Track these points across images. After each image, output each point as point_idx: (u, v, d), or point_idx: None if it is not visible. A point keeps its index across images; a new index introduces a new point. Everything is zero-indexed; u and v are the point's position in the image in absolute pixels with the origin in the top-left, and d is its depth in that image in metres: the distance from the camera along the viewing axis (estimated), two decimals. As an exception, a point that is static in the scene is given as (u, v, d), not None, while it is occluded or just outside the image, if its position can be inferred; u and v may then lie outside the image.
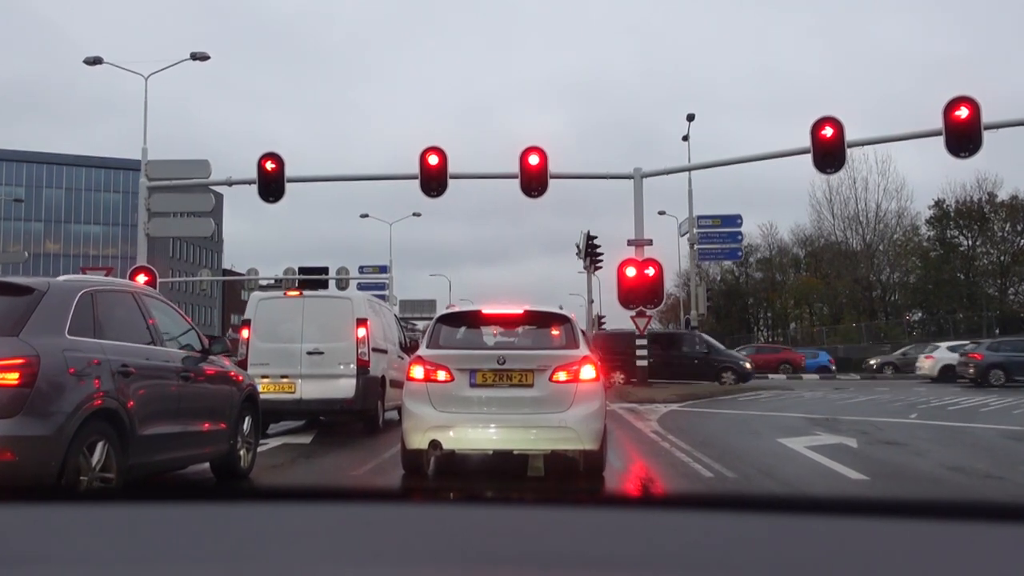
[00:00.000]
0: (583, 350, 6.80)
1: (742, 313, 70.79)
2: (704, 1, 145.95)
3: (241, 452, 6.94)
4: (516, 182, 17.98)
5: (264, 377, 10.70)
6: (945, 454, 8.77)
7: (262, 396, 10.12)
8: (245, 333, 11.11)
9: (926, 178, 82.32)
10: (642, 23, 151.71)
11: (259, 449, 8.40)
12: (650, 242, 19.58)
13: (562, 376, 6.53)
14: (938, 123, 16.32)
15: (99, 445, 4.69)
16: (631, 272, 18.59)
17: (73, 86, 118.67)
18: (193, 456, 6.11)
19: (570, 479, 7.17)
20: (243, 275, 51.00)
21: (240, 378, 7.09)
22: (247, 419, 7.06)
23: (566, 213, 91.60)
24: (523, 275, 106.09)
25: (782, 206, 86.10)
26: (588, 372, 6.59)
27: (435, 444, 6.48)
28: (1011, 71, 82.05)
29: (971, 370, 24.25)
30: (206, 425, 6.21)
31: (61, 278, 5.30)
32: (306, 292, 12.14)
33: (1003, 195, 56.49)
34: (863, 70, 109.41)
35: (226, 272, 76.33)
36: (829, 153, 17.10)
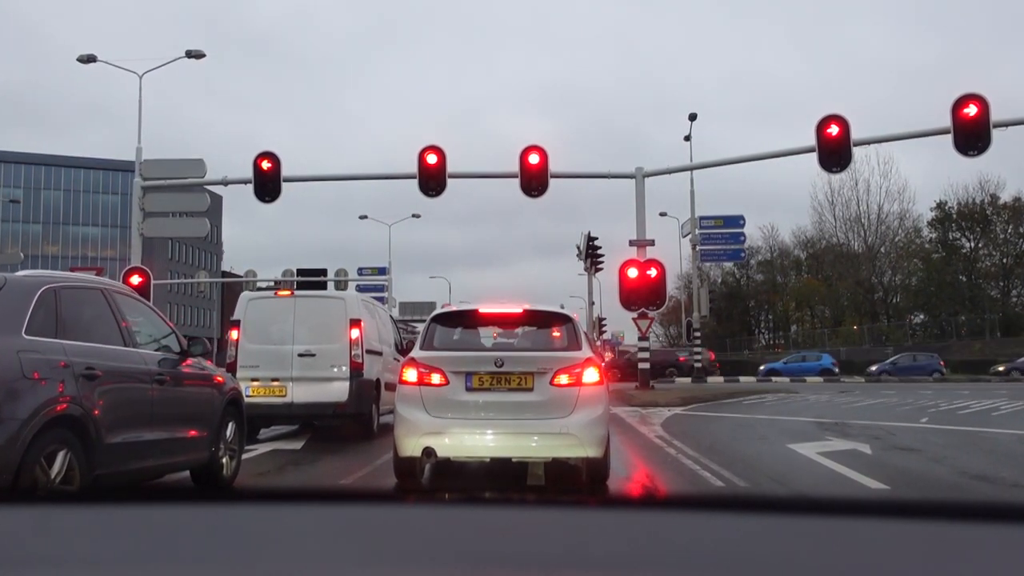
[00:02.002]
0: (586, 352, 6.41)
1: (743, 315, 70.49)
2: (684, 11, 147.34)
3: (224, 460, 6.53)
4: (509, 185, 17.67)
5: (254, 380, 10.33)
6: (965, 460, 8.37)
7: (251, 400, 9.78)
8: (234, 334, 10.71)
9: (928, 180, 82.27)
10: (622, 31, 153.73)
11: (246, 456, 8.03)
12: (652, 242, 19.22)
13: (564, 379, 6.14)
14: (923, 126, 16.02)
15: (60, 454, 4.28)
16: (633, 273, 18.21)
17: (59, 93, 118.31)
18: (168, 465, 5.70)
19: (572, 488, 6.79)
20: (241, 277, 50.68)
21: (222, 381, 6.68)
22: (230, 424, 6.66)
23: (558, 217, 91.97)
24: (517, 278, 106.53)
25: (782, 209, 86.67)
26: (591, 375, 6.21)
27: (429, 451, 6.08)
28: (983, 78, 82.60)
29: None
30: (183, 431, 5.80)
31: (20, 273, 4.89)
32: (298, 292, 11.76)
33: (1005, 197, 56.36)
34: (841, 76, 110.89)
35: (225, 274, 75.98)
36: (835, 152, 16.75)
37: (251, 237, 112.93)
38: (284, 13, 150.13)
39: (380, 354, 11.43)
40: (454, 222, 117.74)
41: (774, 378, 35.78)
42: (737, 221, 35.03)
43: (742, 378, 36.14)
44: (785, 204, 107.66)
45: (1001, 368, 35.58)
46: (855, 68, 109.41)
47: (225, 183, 19.34)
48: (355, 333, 10.53)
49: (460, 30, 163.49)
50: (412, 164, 17.54)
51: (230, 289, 71.79)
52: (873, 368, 37.94)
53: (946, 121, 15.70)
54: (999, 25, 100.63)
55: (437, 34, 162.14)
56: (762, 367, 40.13)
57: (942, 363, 37.79)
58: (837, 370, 38.94)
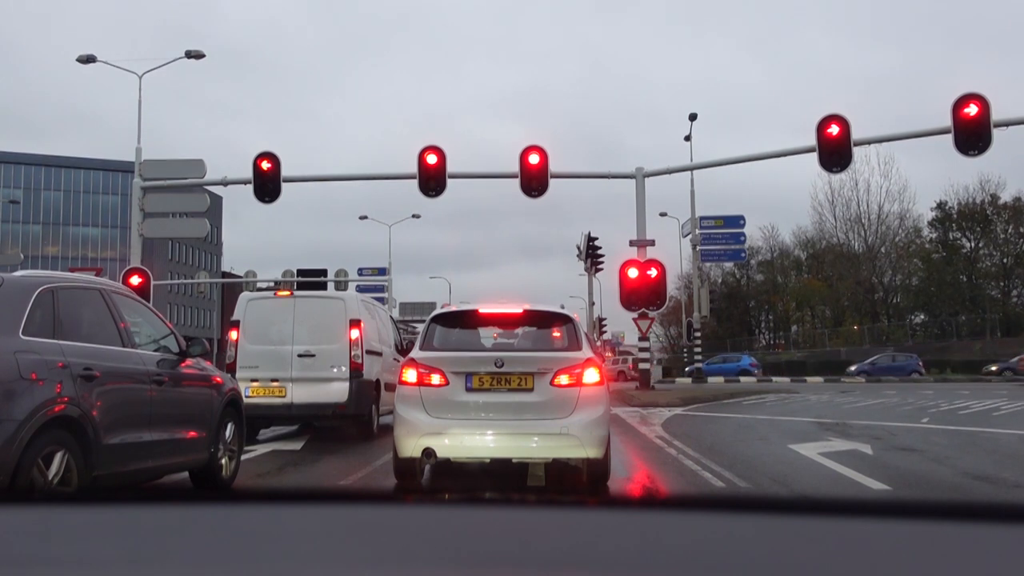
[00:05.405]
0: (586, 352, 6.40)
1: (743, 315, 70.40)
2: (647, 23, 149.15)
3: (223, 460, 6.52)
4: (495, 188, 17.71)
5: (253, 380, 10.31)
6: (967, 461, 8.36)
7: (251, 400, 9.77)
8: (234, 335, 10.69)
9: (928, 180, 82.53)
10: (587, 41, 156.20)
11: (246, 456, 8.02)
12: (652, 242, 19.19)
13: (564, 380, 6.12)
14: (902, 128, 16.03)
15: (57, 455, 4.27)
16: (633, 273, 18.18)
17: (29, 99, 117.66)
18: (168, 465, 5.68)
19: (572, 489, 6.78)
20: (241, 277, 50.65)
21: (221, 381, 6.66)
22: (229, 425, 6.64)
23: (548, 219, 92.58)
24: (510, 279, 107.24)
25: (781, 210, 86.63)
26: (592, 375, 6.19)
27: (429, 452, 6.07)
28: (947, 86, 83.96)
29: None
30: (182, 432, 5.78)
31: (18, 273, 4.87)
32: (297, 292, 11.73)
33: (1006, 197, 56.33)
34: (804, 84, 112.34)
35: (225, 275, 75.92)
36: (835, 152, 16.73)
37: (249, 238, 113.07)
38: (255, 22, 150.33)
39: (380, 355, 11.41)
40: (446, 224, 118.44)
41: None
42: (737, 221, 35.01)
43: (743, 378, 36.13)
44: (785, 205, 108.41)
45: (994, 368, 35.93)
46: (814, 77, 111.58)
47: (225, 183, 19.32)
48: (355, 334, 10.51)
49: (430, 40, 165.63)
50: (391, 168, 17.57)
51: (230, 290, 71.76)
52: (852, 368, 38.60)
53: (945, 121, 15.71)
54: (953, 35, 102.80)
55: (408, 44, 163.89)
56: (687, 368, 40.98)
57: (921, 363, 38.47)
58: (756, 371, 39.60)
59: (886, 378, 35.12)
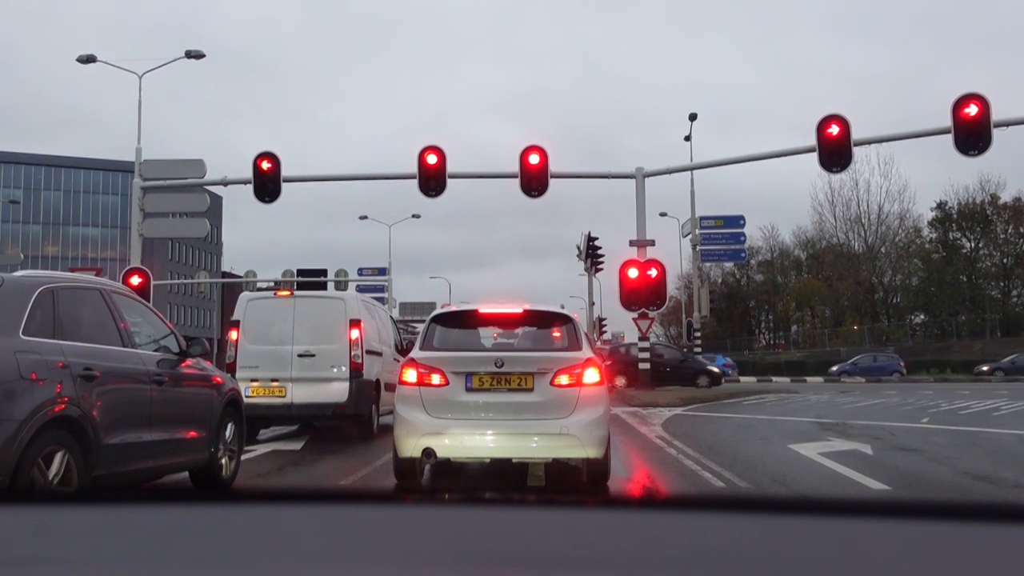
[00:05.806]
0: (586, 352, 6.40)
1: (743, 315, 70.45)
2: (642, 24, 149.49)
3: (223, 460, 6.52)
4: (492, 186, 17.73)
5: (253, 380, 10.31)
6: (967, 461, 8.36)
7: (251, 400, 9.77)
8: (234, 335, 10.69)
9: (928, 180, 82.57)
10: (583, 43, 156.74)
11: (246, 456, 8.02)
12: (652, 242, 19.16)
13: (564, 380, 6.12)
14: (902, 128, 16.05)
15: (57, 455, 4.27)
16: (633, 273, 18.17)
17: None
18: (168, 465, 5.68)
19: (572, 489, 6.79)
20: (241, 277, 50.66)
21: (221, 381, 6.66)
22: (229, 425, 6.64)
23: (544, 220, 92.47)
24: (506, 280, 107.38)
25: (781, 210, 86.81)
26: (592, 375, 6.19)
27: (429, 452, 6.07)
28: (946, 86, 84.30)
29: None
30: (182, 432, 5.79)
31: (18, 273, 4.87)
32: (297, 292, 11.73)
33: (1006, 197, 56.35)
34: (803, 84, 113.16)
35: (225, 275, 75.93)
36: (835, 152, 16.70)
37: (249, 238, 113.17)
38: (253, 23, 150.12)
39: (380, 355, 11.42)
40: (446, 224, 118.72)
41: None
42: (737, 221, 35.02)
43: (743, 378, 36.16)
44: (784, 206, 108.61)
45: (985, 368, 36.08)
46: (813, 77, 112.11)
47: (225, 183, 19.30)
48: (355, 334, 10.51)
49: (429, 41, 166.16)
50: (391, 168, 17.60)
51: (230, 289, 71.76)
52: (834, 368, 39.08)
53: (945, 121, 15.71)
54: (953, 34, 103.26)
55: (407, 45, 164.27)
56: None
57: (902, 363, 39.07)
58: (730, 372, 39.85)
59: (871, 377, 35.64)
